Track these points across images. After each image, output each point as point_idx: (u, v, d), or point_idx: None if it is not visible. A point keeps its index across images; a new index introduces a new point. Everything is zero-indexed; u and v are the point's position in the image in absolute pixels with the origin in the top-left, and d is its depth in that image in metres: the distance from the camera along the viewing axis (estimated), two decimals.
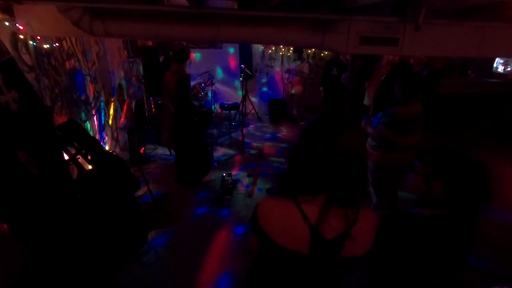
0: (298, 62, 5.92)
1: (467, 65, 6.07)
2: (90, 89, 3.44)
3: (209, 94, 6.14)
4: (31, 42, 2.33)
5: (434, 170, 1.10)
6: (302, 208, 0.87)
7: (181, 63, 3.33)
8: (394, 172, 2.43)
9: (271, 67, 6.68)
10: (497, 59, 6.28)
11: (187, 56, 3.37)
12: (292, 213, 0.87)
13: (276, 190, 0.92)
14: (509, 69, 6.24)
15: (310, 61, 6.58)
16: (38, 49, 2.42)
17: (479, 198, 1.06)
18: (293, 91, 6.17)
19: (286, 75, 6.34)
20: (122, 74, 4.60)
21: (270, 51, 6.57)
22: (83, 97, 3.24)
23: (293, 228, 0.88)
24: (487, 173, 1.05)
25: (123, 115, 4.62)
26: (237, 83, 6.78)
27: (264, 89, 6.99)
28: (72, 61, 2.98)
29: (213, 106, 6.36)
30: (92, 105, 3.46)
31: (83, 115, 3.20)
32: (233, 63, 6.63)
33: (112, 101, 4.13)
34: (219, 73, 6.66)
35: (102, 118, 3.77)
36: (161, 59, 5.14)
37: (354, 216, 0.87)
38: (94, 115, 3.48)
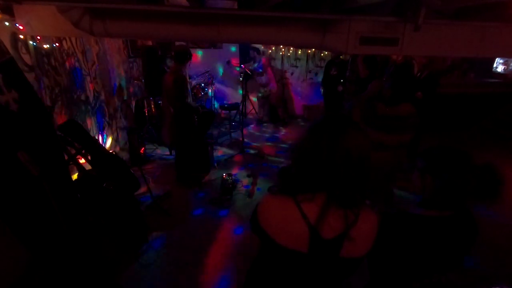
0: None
1: (467, 65, 6.06)
2: (90, 88, 3.44)
3: (210, 94, 6.10)
4: (31, 42, 2.33)
5: (426, 164, 1.14)
6: (301, 207, 0.87)
7: (181, 63, 3.34)
8: (381, 169, 2.39)
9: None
10: (497, 59, 6.27)
11: (188, 56, 3.38)
12: (291, 212, 0.87)
13: (278, 186, 0.93)
14: (509, 68, 6.24)
15: (310, 62, 6.53)
16: (38, 49, 2.42)
17: (466, 192, 1.07)
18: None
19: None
20: (122, 74, 4.60)
21: (270, 51, 6.57)
22: (83, 97, 3.24)
23: (292, 227, 0.88)
24: (472, 166, 1.06)
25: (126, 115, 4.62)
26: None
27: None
28: (72, 60, 2.98)
29: (213, 106, 6.33)
30: (92, 105, 3.46)
31: (84, 114, 3.20)
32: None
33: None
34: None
35: (102, 117, 3.77)
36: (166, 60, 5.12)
37: (354, 217, 0.87)
38: (93, 115, 3.48)
